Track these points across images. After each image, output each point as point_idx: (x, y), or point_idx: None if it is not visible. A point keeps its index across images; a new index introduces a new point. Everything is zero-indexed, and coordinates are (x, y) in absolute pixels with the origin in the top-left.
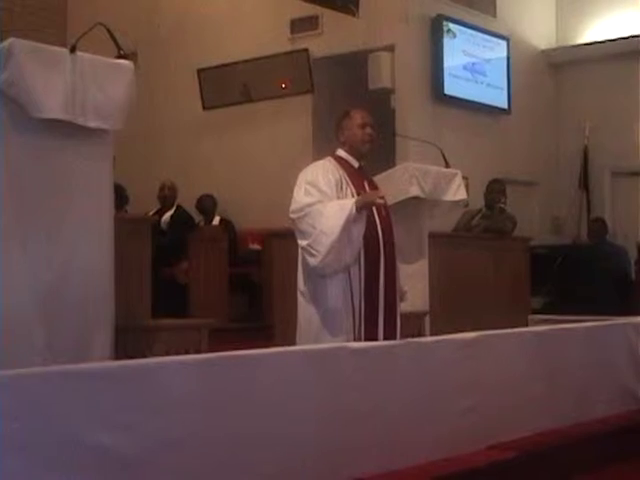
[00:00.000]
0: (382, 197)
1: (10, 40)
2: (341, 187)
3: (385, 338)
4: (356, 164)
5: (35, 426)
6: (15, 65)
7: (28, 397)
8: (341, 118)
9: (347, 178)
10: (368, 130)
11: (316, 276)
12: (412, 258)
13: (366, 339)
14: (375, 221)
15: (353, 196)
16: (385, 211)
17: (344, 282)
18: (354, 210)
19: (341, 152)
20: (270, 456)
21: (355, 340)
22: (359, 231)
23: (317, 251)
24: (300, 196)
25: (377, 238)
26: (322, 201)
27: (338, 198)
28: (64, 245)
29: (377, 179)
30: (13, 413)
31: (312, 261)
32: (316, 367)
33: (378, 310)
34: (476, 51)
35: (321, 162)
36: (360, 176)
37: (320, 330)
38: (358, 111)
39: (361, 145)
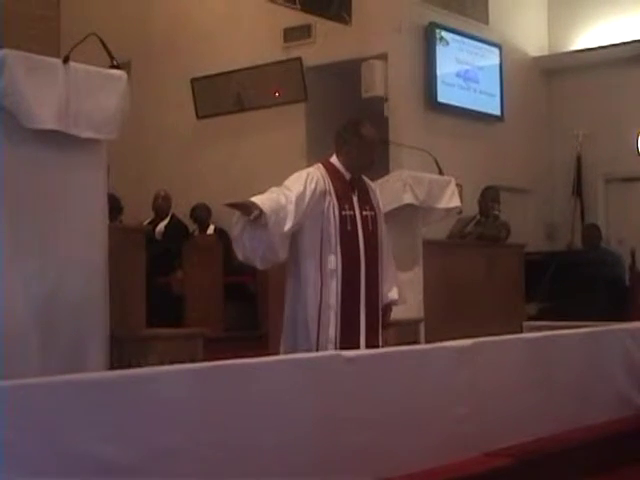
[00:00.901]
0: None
1: (3, 51)
2: (323, 197)
3: None
4: (348, 176)
5: (30, 436)
6: (8, 76)
7: (23, 407)
8: (349, 134)
9: (333, 189)
10: (374, 154)
11: (294, 286)
12: (406, 266)
13: None
14: (357, 236)
15: (335, 209)
16: (372, 225)
17: (317, 296)
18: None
19: (335, 161)
20: (265, 465)
21: None
22: (251, 236)
23: None
24: (270, 190)
25: (358, 254)
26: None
27: (317, 209)
28: (58, 255)
29: None
30: (8, 423)
31: None
32: (310, 375)
33: (359, 325)
34: (469, 58)
35: (308, 170)
36: (349, 188)
37: (293, 339)
38: (370, 132)
39: (365, 167)
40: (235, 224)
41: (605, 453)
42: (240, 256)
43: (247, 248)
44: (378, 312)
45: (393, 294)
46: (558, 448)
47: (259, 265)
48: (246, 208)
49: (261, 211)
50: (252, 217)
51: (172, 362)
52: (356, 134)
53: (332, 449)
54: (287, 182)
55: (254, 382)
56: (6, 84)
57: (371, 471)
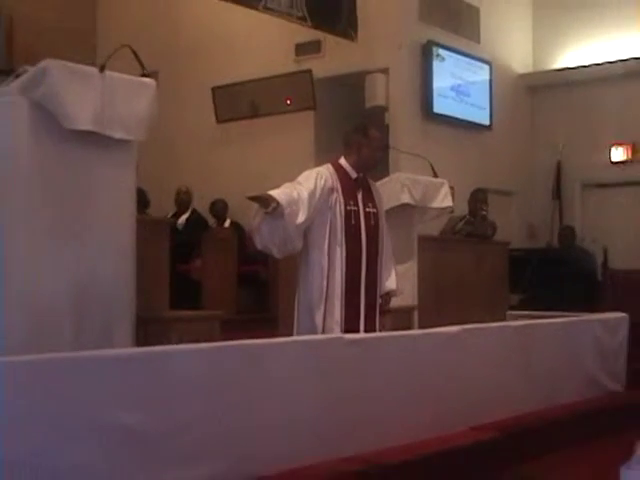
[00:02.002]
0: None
1: (46, 60)
2: (331, 193)
3: None
4: (354, 175)
5: (65, 405)
6: (51, 82)
7: (59, 379)
8: (359, 135)
9: (340, 187)
10: (380, 154)
11: (304, 273)
12: (403, 259)
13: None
14: (360, 230)
15: (340, 205)
16: (374, 221)
17: (323, 282)
18: (258, 208)
19: (343, 161)
20: (273, 435)
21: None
22: (269, 226)
23: None
24: (284, 185)
25: (360, 246)
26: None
27: (325, 204)
28: (91, 243)
29: None
30: (46, 393)
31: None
32: (315, 355)
33: (359, 310)
34: (462, 74)
35: (318, 169)
36: (354, 186)
37: (300, 320)
38: (376, 133)
39: (371, 165)
40: (255, 215)
41: (576, 428)
42: (259, 245)
43: (265, 237)
44: (376, 298)
45: (391, 284)
46: (536, 423)
47: (276, 254)
48: (264, 201)
49: (278, 203)
50: (270, 209)
51: (191, 341)
52: (365, 135)
53: (333, 422)
54: (299, 179)
55: (265, 360)
56: (48, 89)
57: (368, 442)
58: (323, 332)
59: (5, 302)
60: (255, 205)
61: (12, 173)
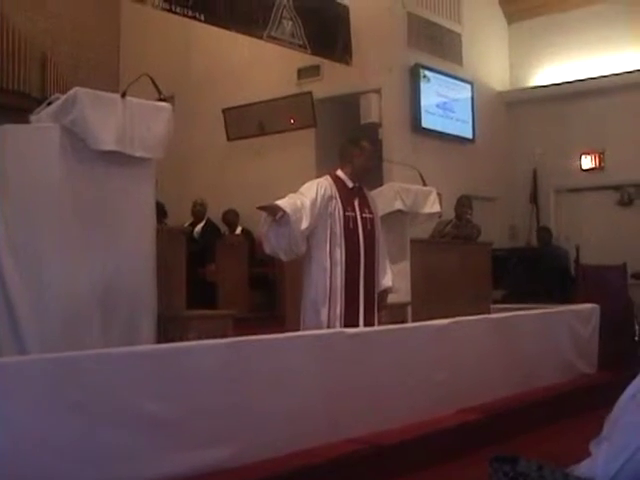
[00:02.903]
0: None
1: (75, 89)
2: (330, 201)
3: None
4: (350, 184)
5: (95, 395)
6: (79, 108)
7: (90, 372)
8: (352, 146)
9: (338, 196)
10: (372, 163)
11: (308, 273)
12: (397, 259)
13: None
14: (358, 233)
15: (339, 212)
16: (370, 225)
17: (327, 281)
18: (267, 217)
19: (340, 173)
20: (281, 420)
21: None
22: (276, 232)
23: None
24: (288, 196)
25: (358, 248)
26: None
27: (326, 210)
28: (116, 250)
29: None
30: (78, 384)
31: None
32: (318, 348)
33: (358, 306)
34: (447, 92)
35: (319, 180)
36: (352, 195)
37: (306, 315)
38: (368, 144)
39: (365, 173)
40: (263, 223)
41: (553, 408)
42: (267, 250)
43: (273, 242)
44: (374, 295)
45: (387, 282)
46: (516, 405)
47: (283, 257)
48: (272, 209)
49: (284, 212)
50: (277, 217)
51: (207, 337)
52: (358, 146)
53: (336, 408)
54: (302, 189)
55: (273, 354)
56: (77, 115)
57: (368, 425)
58: (328, 327)
59: (44, 303)
60: (264, 214)
61: (46, 190)
